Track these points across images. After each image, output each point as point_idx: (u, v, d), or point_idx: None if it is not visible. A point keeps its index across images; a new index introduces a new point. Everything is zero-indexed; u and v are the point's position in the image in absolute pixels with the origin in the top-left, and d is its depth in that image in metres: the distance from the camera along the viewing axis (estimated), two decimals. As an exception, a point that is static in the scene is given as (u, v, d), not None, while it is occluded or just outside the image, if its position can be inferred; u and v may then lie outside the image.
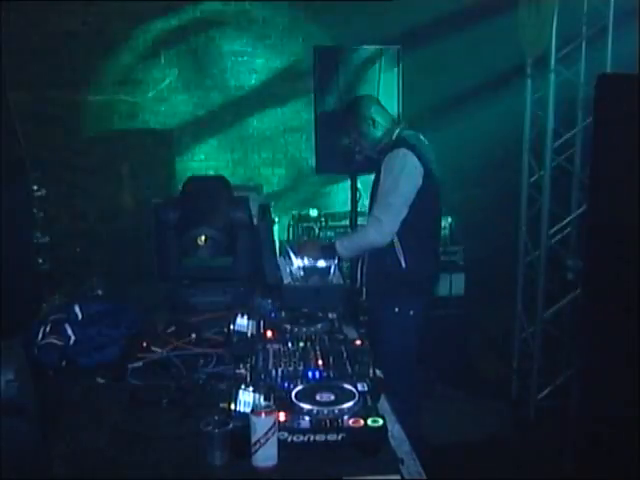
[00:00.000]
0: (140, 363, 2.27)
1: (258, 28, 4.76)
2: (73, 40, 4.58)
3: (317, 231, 4.44)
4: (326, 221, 4.54)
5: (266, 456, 1.62)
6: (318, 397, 1.81)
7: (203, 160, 4.90)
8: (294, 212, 4.59)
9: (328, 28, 4.69)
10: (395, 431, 1.82)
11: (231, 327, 2.42)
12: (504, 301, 4.48)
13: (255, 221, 3.23)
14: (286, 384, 1.92)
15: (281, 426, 1.67)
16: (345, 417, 1.72)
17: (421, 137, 3.11)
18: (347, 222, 4.24)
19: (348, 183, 3.86)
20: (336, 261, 3.10)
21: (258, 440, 1.60)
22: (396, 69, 3.58)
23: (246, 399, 1.81)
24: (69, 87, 4.63)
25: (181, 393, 2.07)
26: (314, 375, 2.00)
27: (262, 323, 2.44)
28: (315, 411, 1.75)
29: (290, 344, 2.24)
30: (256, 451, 1.61)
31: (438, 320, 3.95)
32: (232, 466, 1.65)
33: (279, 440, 1.63)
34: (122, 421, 1.92)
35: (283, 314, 2.58)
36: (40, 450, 1.57)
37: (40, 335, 2.28)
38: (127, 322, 2.46)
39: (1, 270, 2.17)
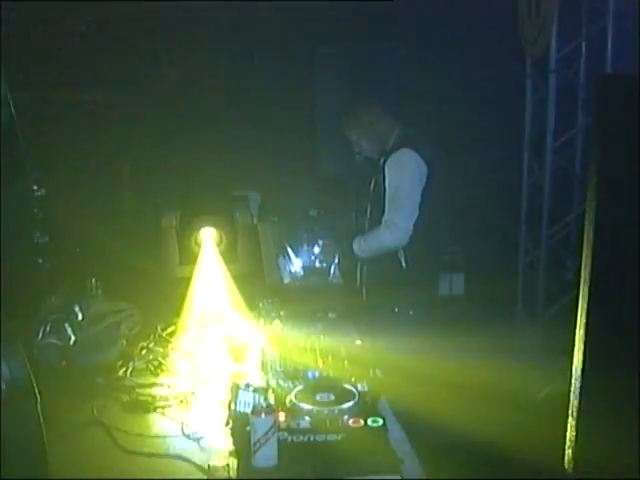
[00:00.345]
0: (140, 363, 2.28)
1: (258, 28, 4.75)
2: (73, 40, 4.57)
3: (317, 231, 4.43)
4: (326, 221, 4.53)
5: (266, 456, 1.62)
6: (318, 397, 1.81)
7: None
8: (294, 212, 4.59)
9: (328, 28, 4.68)
10: (395, 431, 1.82)
11: (231, 327, 2.43)
12: (504, 301, 4.48)
13: (255, 221, 3.24)
14: (286, 384, 1.92)
15: (281, 426, 1.67)
16: (345, 417, 1.72)
17: (421, 137, 3.10)
18: (347, 222, 4.24)
19: (348, 183, 3.86)
20: (336, 261, 3.11)
21: (258, 440, 1.60)
22: (398, 68, 3.59)
23: (246, 399, 1.81)
24: (69, 87, 4.62)
25: (182, 393, 2.07)
26: (314, 375, 2.00)
27: (262, 323, 2.45)
28: (315, 411, 1.75)
29: (290, 344, 2.25)
30: (256, 451, 1.61)
31: (438, 320, 3.94)
32: (232, 466, 1.65)
33: (279, 440, 1.63)
34: (122, 421, 1.92)
35: (283, 314, 2.59)
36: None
37: (40, 335, 2.28)
38: (127, 322, 2.47)
39: (1, 270, 2.17)
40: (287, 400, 1.81)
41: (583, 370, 2.22)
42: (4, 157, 2.36)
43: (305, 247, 3.22)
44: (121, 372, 2.24)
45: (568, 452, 2.35)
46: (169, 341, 2.44)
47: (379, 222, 2.98)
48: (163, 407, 2.00)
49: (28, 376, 1.54)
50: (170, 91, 4.77)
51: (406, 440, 1.80)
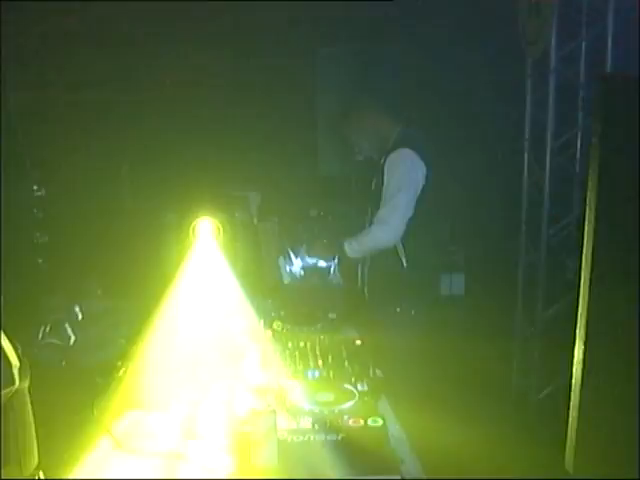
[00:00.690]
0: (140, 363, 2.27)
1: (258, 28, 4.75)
2: (73, 40, 4.57)
3: (317, 231, 4.43)
4: (326, 221, 4.53)
5: (266, 456, 1.62)
6: (318, 397, 1.81)
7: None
8: (294, 212, 4.59)
9: (328, 28, 4.68)
10: (395, 431, 1.82)
11: (231, 327, 2.42)
12: (504, 301, 4.48)
13: (255, 221, 3.24)
14: (286, 384, 1.92)
15: (281, 426, 1.67)
16: (345, 417, 1.72)
17: (421, 136, 3.11)
18: (347, 222, 4.24)
19: (348, 183, 3.86)
20: (336, 261, 3.11)
21: (258, 440, 1.60)
22: (398, 69, 3.58)
23: (246, 399, 1.82)
24: (69, 87, 4.62)
25: (181, 393, 2.07)
26: (314, 375, 2.00)
27: (262, 323, 2.45)
28: (315, 411, 1.75)
29: (290, 344, 2.25)
30: (256, 451, 1.61)
31: (438, 320, 3.94)
32: (232, 466, 1.65)
33: (279, 440, 1.64)
34: (122, 421, 1.92)
35: (283, 314, 2.59)
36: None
37: (40, 335, 2.28)
38: (127, 322, 2.47)
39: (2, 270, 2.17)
40: (287, 400, 1.81)
41: (583, 370, 2.22)
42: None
43: (305, 247, 3.22)
44: (121, 372, 2.23)
45: (568, 452, 2.35)
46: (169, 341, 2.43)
47: (379, 222, 2.98)
48: (163, 407, 2.00)
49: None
50: (170, 91, 4.77)
51: (406, 440, 1.80)
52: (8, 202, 2.88)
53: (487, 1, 4.06)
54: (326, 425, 1.70)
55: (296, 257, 3.10)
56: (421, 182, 2.95)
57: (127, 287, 2.90)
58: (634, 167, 2.23)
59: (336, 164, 3.58)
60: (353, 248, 3.02)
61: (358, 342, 2.26)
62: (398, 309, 3.07)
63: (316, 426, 1.70)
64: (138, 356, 2.25)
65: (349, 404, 1.77)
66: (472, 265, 4.50)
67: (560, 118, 3.92)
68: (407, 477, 1.61)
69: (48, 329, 2.29)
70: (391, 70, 3.57)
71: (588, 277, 2.05)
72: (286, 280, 2.91)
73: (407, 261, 3.01)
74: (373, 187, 3.15)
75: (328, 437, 1.67)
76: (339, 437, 1.67)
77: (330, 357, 2.11)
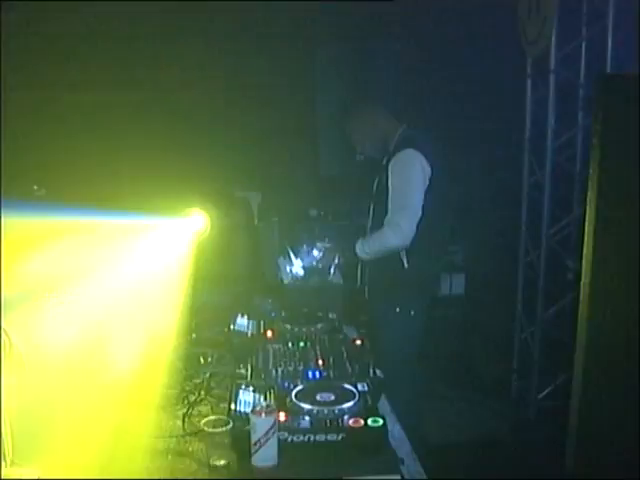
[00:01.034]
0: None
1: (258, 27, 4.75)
2: (73, 40, 4.57)
3: (317, 231, 4.44)
4: (326, 221, 4.54)
5: (266, 456, 1.62)
6: (318, 397, 1.81)
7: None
8: (294, 212, 4.59)
9: (328, 28, 4.68)
10: (395, 431, 1.82)
11: (231, 327, 2.42)
12: (504, 301, 4.48)
13: (255, 221, 3.24)
14: (286, 384, 1.92)
15: (281, 426, 1.67)
16: (345, 417, 1.72)
17: (424, 137, 3.10)
18: (347, 222, 4.25)
19: (348, 183, 3.86)
20: (336, 261, 3.11)
21: (258, 440, 1.60)
22: (398, 69, 3.59)
23: (246, 399, 1.82)
24: (69, 87, 4.62)
25: (181, 393, 2.07)
26: (314, 375, 2.00)
27: (262, 323, 2.45)
28: (315, 411, 1.75)
29: (290, 344, 2.25)
30: (256, 451, 1.61)
31: (438, 320, 3.95)
32: (232, 466, 1.65)
33: (279, 440, 1.64)
34: (122, 421, 1.92)
35: (283, 314, 2.59)
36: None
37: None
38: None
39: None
40: (287, 400, 1.81)
41: (583, 370, 2.22)
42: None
43: (305, 247, 3.22)
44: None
45: (569, 452, 2.35)
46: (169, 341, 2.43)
47: (382, 222, 2.98)
48: (163, 407, 2.00)
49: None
50: (170, 91, 4.77)
51: (406, 440, 1.80)
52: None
53: (487, 1, 4.05)
54: (326, 425, 1.70)
55: (296, 257, 3.10)
56: (427, 182, 2.95)
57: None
58: (634, 167, 2.23)
59: (336, 164, 3.59)
60: (365, 251, 3.02)
61: (358, 342, 2.26)
62: (398, 309, 3.07)
63: (316, 426, 1.70)
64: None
65: (349, 404, 1.77)
66: (472, 265, 4.50)
67: (560, 118, 3.92)
68: (407, 477, 1.61)
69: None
70: (391, 70, 3.56)
71: (588, 277, 2.06)
72: (286, 280, 2.90)
73: (408, 261, 3.01)
74: (375, 187, 3.15)
75: (328, 437, 1.67)
76: (339, 437, 1.67)
77: (330, 357, 2.11)
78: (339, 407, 1.75)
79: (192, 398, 2.04)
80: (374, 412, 1.75)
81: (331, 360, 2.09)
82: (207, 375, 2.20)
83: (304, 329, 2.39)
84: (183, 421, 1.90)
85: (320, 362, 2.08)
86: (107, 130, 4.76)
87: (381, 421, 1.70)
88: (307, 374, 2.00)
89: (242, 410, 1.76)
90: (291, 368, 2.04)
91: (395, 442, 1.76)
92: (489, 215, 4.70)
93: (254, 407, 1.68)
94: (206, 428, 1.83)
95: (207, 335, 2.50)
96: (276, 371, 2.02)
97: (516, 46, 4.08)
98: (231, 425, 1.70)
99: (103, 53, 4.67)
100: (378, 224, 3.03)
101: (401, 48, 3.58)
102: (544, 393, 4.12)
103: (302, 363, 2.08)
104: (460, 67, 4.54)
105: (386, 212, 2.97)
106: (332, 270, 3.03)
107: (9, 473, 1.61)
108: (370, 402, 1.81)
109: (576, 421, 2.12)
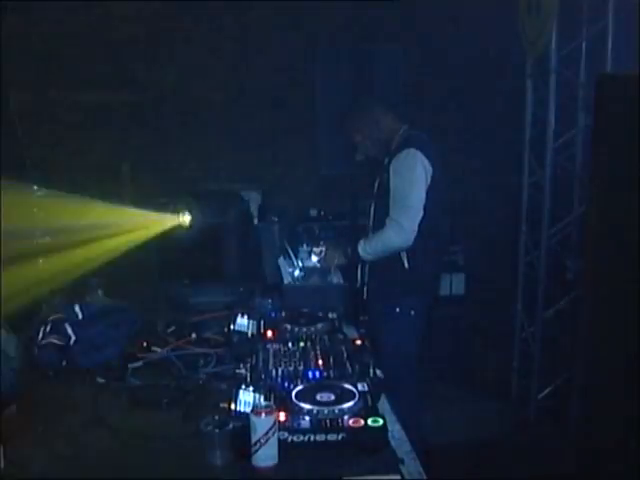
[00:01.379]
0: (140, 363, 2.27)
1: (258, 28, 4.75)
2: (73, 40, 4.57)
3: (317, 231, 4.43)
4: (326, 221, 4.53)
5: (266, 456, 1.61)
6: (318, 397, 1.81)
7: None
8: (294, 212, 4.59)
9: (328, 28, 4.68)
10: (395, 431, 1.82)
11: (231, 327, 2.42)
12: (504, 301, 4.48)
13: (255, 221, 3.24)
14: (286, 384, 1.92)
15: (281, 426, 1.67)
16: (345, 417, 1.72)
17: (425, 137, 3.10)
18: (347, 222, 4.24)
19: (348, 183, 3.86)
20: (336, 261, 3.10)
21: (258, 440, 1.60)
22: (398, 69, 3.58)
23: (246, 399, 1.81)
24: (69, 87, 4.62)
25: (181, 393, 2.07)
26: (314, 375, 2.00)
27: (262, 323, 2.45)
28: (315, 411, 1.75)
29: (290, 344, 2.24)
30: (256, 451, 1.61)
31: (438, 320, 3.95)
32: (232, 466, 1.65)
33: (279, 440, 1.63)
34: (122, 421, 1.92)
35: (283, 314, 2.59)
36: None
37: (40, 335, 2.28)
38: (127, 322, 2.46)
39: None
40: (287, 400, 1.81)
41: (584, 370, 2.22)
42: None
43: (305, 247, 3.22)
44: (121, 372, 2.23)
45: (569, 452, 2.35)
46: (169, 341, 2.43)
47: (382, 222, 2.98)
48: (163, 407, 2.00)
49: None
50: (170, 91, 4.77)
51: (406, 440, 1.80)
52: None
53: (487, 1, 4.05)
54: (326, 425, 1.70)
55: (296, 257, 3.10)
56: (428, 182, 2.95)
57: (127, 287, 2.89)
58: (634, 167, 2.23)
59: (336, 164, 3.58)
60: (367, 251, 3.02)
61: (358, 342, 2.26)
62: (398, 309, 3.07)
63: (316, 426, 1.69)
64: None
65: (349, 404, 1.77)
66: (472, 265, 4.50)
67: (560, 118, 3.92)
68: (407, 477, 1.61)
69: (48, 329, 2.29)
70: (391, 70, 3.56)
71: (588, 277, 2.06)
72: (286, 280, 2.90)
73: (409, 261, 3.01)
74: (376, 187, 3.15)
75: (328, 437, 1.67)
76: (339, 437, 1.67)
77: (330, 357, 2.11)
78: (339, 407, 1.75)
79: (192, 398, 2.04)
80: (374, 412, 1.75)
81: (331, 360, 2.09)
82: (207, 375, 2.20)
83: (304, 329, 2.39)
84: (183, 421, 1.90)
85: (320, 362, 2.08)
86: (107, 130, 4.76)
87: (381, 421, 1.70)
88: (307, 374, 2.00)
89: (242, 410, 1.76)
90: (291, 368, 2.04)
91: (395, 442, 1.76)
92: (489, 215, 4.71)
93: (254, 407, 1.68)
94: (206, 428, 1.83)
95: (207, 335, 2.50)
96: (276, 371, 2.02)
97: (516, 46, 4.08)
98: (231, 425, 1.70)
99: (103, 53, 4.67)
100: (379, 224, 3.03)
101: (401, 48, 3.58)
102: (544, 393, 4.12)
103: (302, 363, 2.08)
104: (460, 67, 4.55)
105: (387, 212, 2.97)
106: (332, 270, 3.03)
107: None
108: (370, 402, 1.80)
109: (576, 420, 2.12)
